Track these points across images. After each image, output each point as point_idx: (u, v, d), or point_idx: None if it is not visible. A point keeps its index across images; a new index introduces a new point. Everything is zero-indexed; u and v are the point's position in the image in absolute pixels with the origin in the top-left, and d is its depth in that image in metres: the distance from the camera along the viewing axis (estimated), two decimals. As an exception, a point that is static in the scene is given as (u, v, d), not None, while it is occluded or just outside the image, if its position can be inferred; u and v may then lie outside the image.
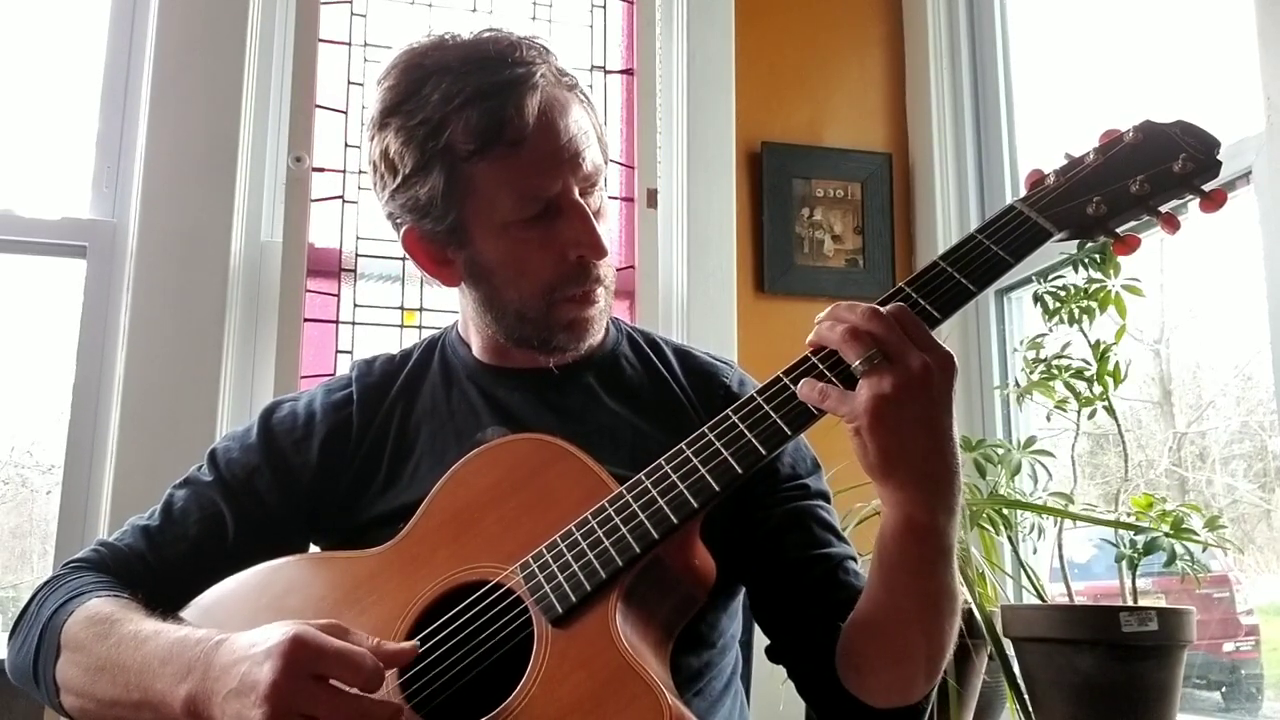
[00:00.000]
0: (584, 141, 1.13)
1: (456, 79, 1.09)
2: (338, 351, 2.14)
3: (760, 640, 1.20)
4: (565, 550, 0.96)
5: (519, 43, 1.13)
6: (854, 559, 1.16)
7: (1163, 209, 0.97)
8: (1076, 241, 1.10)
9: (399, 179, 1.13)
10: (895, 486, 0.90)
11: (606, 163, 1.21)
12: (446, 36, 1.14)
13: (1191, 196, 0.96)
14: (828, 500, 1.20)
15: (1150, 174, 0.96)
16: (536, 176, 1.10)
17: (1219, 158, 0.96)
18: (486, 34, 1.14)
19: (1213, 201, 0.95)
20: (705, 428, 0.97)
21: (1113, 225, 0.97)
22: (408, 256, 1.21)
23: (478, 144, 1.08)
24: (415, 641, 0.94)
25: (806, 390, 0.91)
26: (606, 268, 1.17)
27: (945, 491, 0.90)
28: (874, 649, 1.01)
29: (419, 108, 1.10)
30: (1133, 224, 0.99)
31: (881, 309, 0.89)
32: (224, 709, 0.87)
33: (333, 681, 0.85)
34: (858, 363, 0.87)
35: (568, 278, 1.14)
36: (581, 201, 1.13)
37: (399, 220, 1.17)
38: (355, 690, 0.86)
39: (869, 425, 0.87)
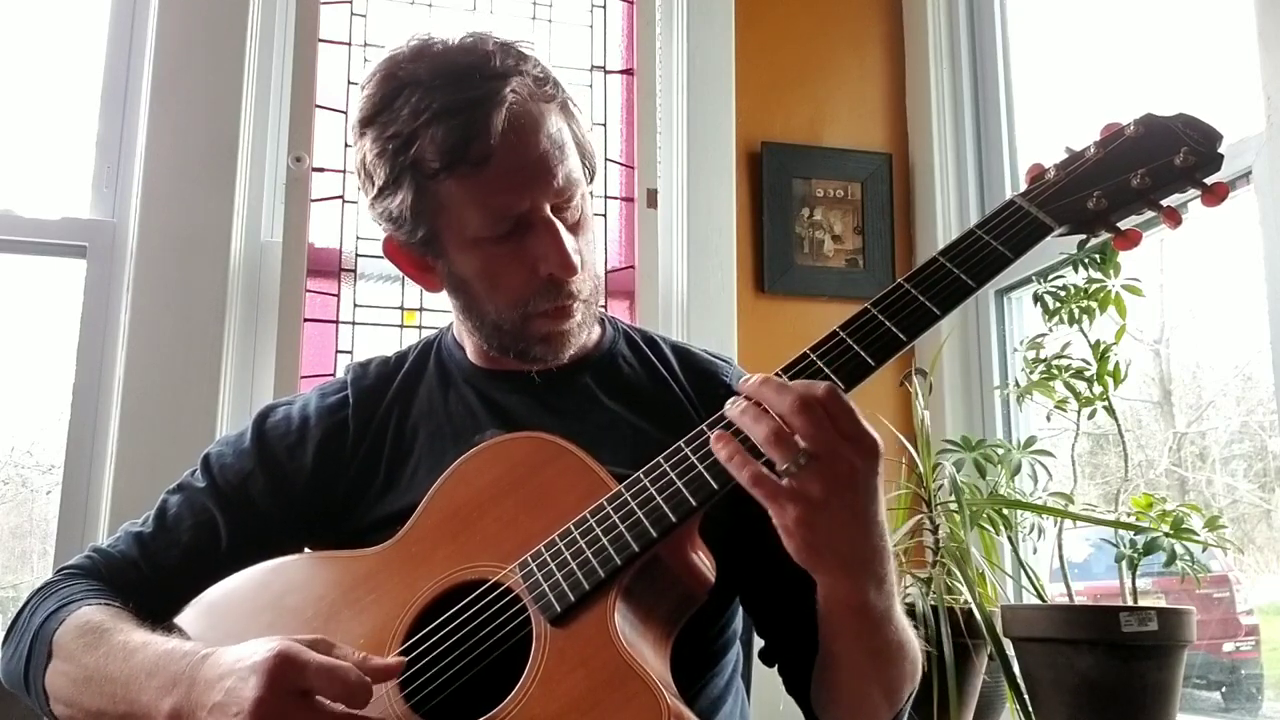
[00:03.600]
0: (555, 157, 1.10)
1: (426, 93, 1.07)
2: (338, 351, 2.14)
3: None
4: (564, 549, 0.96)
5: (494, 52, 1.10)
6: None
7: (1164, 203, 0.97)
8: (1077, 239, 1.10)
9: (375, 189, 1.13)
10: (823, 573, 0.93)
11: (591, 172, 1.19)
12: (429, 42, 1.12)
13: (1193, 190, 0.96)
14: None
15: (1151, 168, 0.96)
16: (503, 194, 1.09)
17: (1220, 151, 0.95)
18: (468, 40, 1.12)
19: (1214, 195, 0.95)
20: (704, 425, 0.97)
21: (1113, 220, 0.97)
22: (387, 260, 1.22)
23: (443, 161, 1.07)
24: (401, 658, 0.94)
25: (737, 465, 0.89)
26: (583, 282, 1.15)
27: (873, 571, 0.92)
28: (833, 696, 1.06)
29: (391, 120, 1.09)
30: (1134, 219, 0.99)
31: (811, 397, 0.86)
32: None
33: (318, 697, 0.86)
34: (784, 466, 0.86)
35: (540, 293, 1.13)
36: (552, 218, 1.11)
37: (381, 227, 1.18)
38: (340, 705, 0.86)
39: (794, 528, 0.87)
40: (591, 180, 1.20)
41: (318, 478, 1.19)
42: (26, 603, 1.13)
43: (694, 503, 0.93)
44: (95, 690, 0.98)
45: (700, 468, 0.94)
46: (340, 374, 1.30)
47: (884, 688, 1.03)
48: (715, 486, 0.93)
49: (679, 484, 0.94)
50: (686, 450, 0.96)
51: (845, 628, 0.98)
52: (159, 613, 1.06)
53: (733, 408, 0.91)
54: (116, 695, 0.95)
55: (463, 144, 1.06)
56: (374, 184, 1.13)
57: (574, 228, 1.14)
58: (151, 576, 1.14)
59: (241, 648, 0.88)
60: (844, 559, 0.90)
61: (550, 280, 1.12)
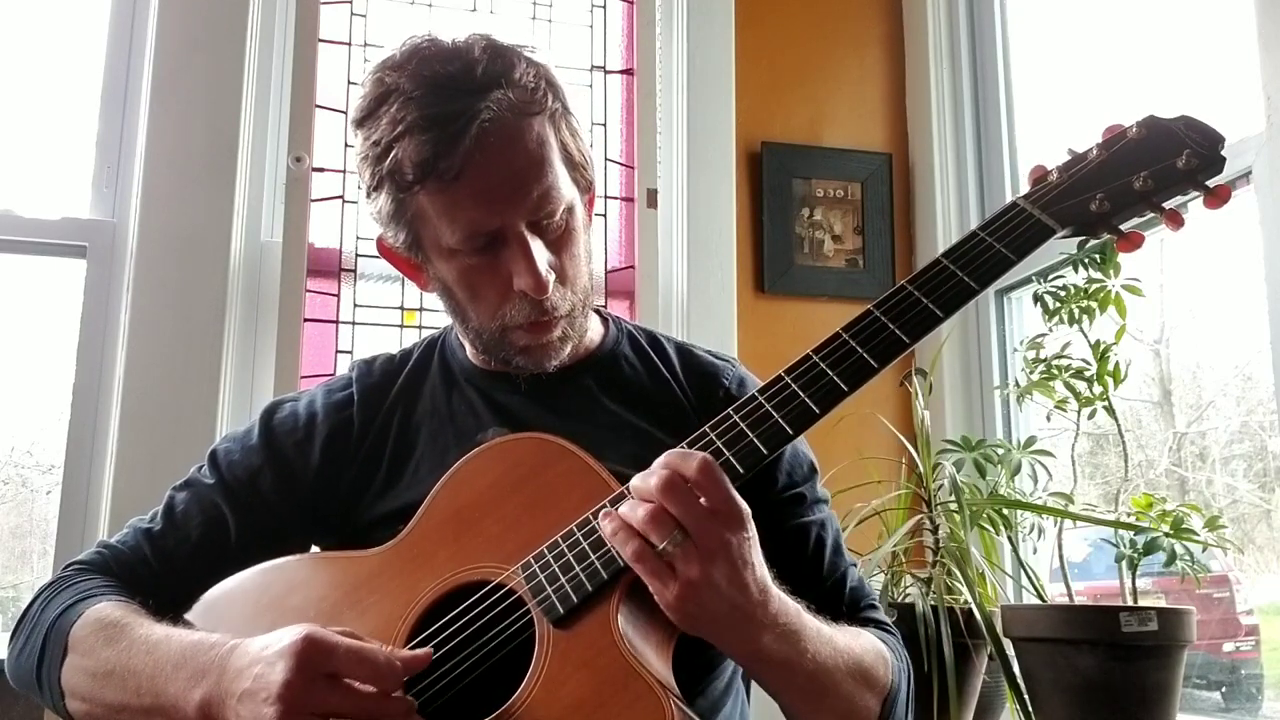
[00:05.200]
0: (532, 174, 1.09)
1: (405, 104, 1.06)
2: (338, 351, 2.14)
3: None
4: (566, 550, 0.96)
5: (480, 60, 1.08)
6: (845, 577, 1.19)
7: (1166, 205, 0.97)
8: (1078, 239, 1.10)
9: (365, 191, 1.14)
10: (712, 638, 0.94)
11: (587, 183, 1.18)
12: (420, 47, 1.11)
13: (1195, 192, 0.96)
14: (825, 504, 1.22)
15: (1154, 170, 0.96)
16: (472, 211, 1.08)
17: (1223, 154, 0.95)
18: (458, 46, 1.10)
19: (1217, 197, 0.95)
20: (707, 426, 0.97)
21: (1116, 222, 0.97)
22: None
23: (415, 175, 1.06)
24: (429, 649, 0.94)
25: (621, 540, 0.90)
26: (561, 299, 1.13)
27: (759, 622, 0.93)
28: None
29: (375, 127, 1.09)
30: (1136, 221, 0.99)
31: (676, 475, 0.89)
32: (238, 711, 0.87)
33: (346, 680, 0.86)
34: (663, 545, 0.88)
35: (516, 307, 1.12)
36: (526, 235, 1.09)
37: (374, 224, 1.18)
38: (369, 688, 0.86)
39: (676, 604, 0.89)
40: (588, 191, 1.19)
41: (324, 474, 1.20)
42: (35, 598, 1.12)
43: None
44: (117, 684, 0.98)
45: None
46: (345, 372, 1.30)
47: (837, 714, 1.03)
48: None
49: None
50: (689, 451, 0.96)
51: (766, 676, 0.99)
52: (168, 608, 1.06)
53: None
54: (141, 688, 0.96)
55: (432, 160, 1.05)
56: (363, 184, 1.14)
57: (557, 242, 1.13)
58: (162, 572, 1.15)
59: (269, 636, 0.89)
60: (725, 623, 0.91)
61: (525, 296, 1.11)
